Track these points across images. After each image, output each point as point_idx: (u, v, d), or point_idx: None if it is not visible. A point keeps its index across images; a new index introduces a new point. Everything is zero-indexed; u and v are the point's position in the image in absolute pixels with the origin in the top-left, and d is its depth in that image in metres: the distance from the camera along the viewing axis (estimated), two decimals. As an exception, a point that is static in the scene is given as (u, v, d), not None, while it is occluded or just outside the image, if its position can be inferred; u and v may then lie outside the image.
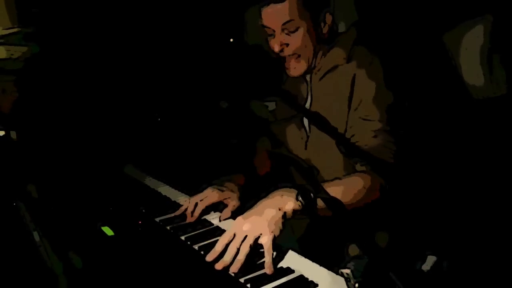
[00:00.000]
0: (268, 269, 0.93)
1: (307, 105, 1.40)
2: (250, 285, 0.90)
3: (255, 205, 1.04)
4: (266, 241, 0.95)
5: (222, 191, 1.30)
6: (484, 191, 1.46)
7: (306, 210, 1.04)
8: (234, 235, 0.97)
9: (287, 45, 1.28)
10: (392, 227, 1.32)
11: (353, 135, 1.26)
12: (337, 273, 0.91)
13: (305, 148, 1.39)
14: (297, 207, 1.02)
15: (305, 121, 1.41)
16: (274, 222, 0.98)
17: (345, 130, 1.28)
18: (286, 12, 1.23)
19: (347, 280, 0.86)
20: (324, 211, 1.08)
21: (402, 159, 1.23)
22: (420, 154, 1.33)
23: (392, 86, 1.25)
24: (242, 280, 0.92)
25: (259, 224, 0.98)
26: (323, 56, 1.35)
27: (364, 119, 1.24)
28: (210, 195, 1.28)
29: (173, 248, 1.11)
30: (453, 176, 1.51)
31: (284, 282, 0.91)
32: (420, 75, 1.54)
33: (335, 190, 1.09)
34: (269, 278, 0.92)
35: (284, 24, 1.25)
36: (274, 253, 0.97)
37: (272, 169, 1.56)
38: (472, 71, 1.50)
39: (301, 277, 0.92)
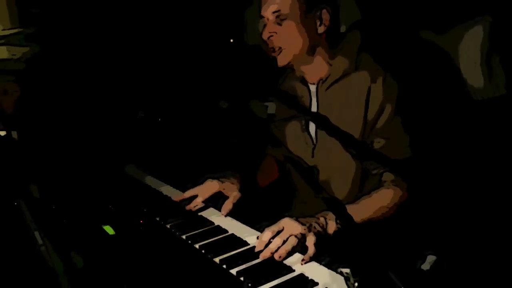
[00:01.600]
0: (307, 256, 0.99)
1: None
2: (251, 284, 0.90)
3: (304, 218, 1.09)
4: (311, 242, 1.02)
5: (222, 182, 1.32)
6: (484, 191, 1.47)
7: (343, 230, 1.12)
8: (283, 228, 1.03)
9: (276, 33, 1.28)
10: (392, 227, 1.33)
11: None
12: (336, 272, 0.91)
13: (312, 156, 1.38)
14: (335, 229, 1.11)
15: (311, 128, 1.39)
16: (318, 232, 1.05)
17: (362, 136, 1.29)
18: (277, 0, 1.25)
19: (346, 279, 0.86)
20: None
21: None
22: (420, 154, 1.33)
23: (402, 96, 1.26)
24: (242, 278, 0.93)
25: (307, 227, 1.04)
26: (328, 64, 1.32)
27: (384, 138, 1.25)
28: (209, 186, 1.30)
29: (174, 247, 1.11)
30: (453, 176, 1.51)
31: (284, 281, 0.92)
32: (420, 76, 1.54)
33: (365, 210, 1.18)
34: (269, 277, 0.92)
35: (274, 12, 1.26)
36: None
37: (280, 176, 1.56)
38: (471, 72, 1.50)
39: (301, 275, 0.93)
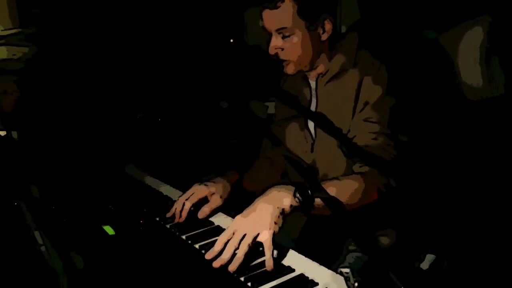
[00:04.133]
0: (268, 266, 0.94)
1: (312, 108, 1.40)
2: (251, 284, 0.90)
3: (253, 203, 1.05)
4: (265, 238, 0.97)
5: (208, 185, 1.29)
6: (483, 190, 1.47)
7: (303, 206, 1.05)
8: (233, 234, 0.98)
9: (282, 49, 1.29)
10: (392, 227, 1.33)
11: (354, 136, 1.28)
12: (337, 272, 0.91)
13: (312, 151, 1.39)
14: (294, 203, 1.04)
15: (310, 124, 1.40)
16: (272, 219, 0.99)
17: (348, 131, 1.30)
18: (279, 18, 1.24)
19: (346, 279, 0.86)
20: (321, 209, 1.09)
21: (402, 159, 1.24)
22: (420, 154, 1.34)
23: (395, 89, 1.26)
24: (242, 278, 0.93)
25: (257, 222, 0.99)
26: (327, 61, 1.34)
27: (366, 121, 1.25)
28: (196, 191, 1.27)
29: (174, 247, 1.11)
30: (452, 176, 1.51)
31: (284, 281, 0.92)
32: (419, 76, 1.54)
33: (330, 189, 1.11)
34: (269, 277, 0.92)
35: (278, 30, 1.26)
36: (275, 251, 0.97)
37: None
38: (470, 72, 1.50)
39: (301, 276, 0.93)
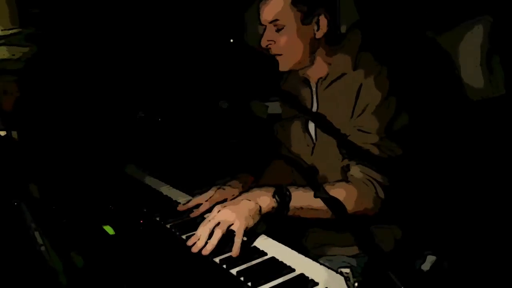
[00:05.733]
0: (234, 253, 1.01)
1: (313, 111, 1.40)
2: (251, 284, 0.90)
3: (236, 198, 1.12)
4: (238, 227, 1.04)
5: (226, 189, 1.34)
6: (484, 191, 1.47)
7: (281, 208, 1.13)
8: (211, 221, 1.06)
9: (274, 42, 1.28)
10: (391, 225, 1.33)
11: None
12: (336, 272, 0.91)
13: (311, 154, 1.39)
14: (273, 204, 1.12)
15: (311, 127, 1.40)
16: (249, 213, 1.07)
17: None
18: (273, 9, 1.25)
19: (346, 279, 0.86)
20: (296, 211, 1.15)
21: (403, 160, 1.24)
22: (420, 154, 1.33)
23: (395, 94, 1.24)
24: (242, 278, 0.93)
25: (235, 212, 1.06)
26: (327, 63, 1.33)
27: (361, 131, 1.24)
28: (213, 196, 1.32)
29: (174, 247, 1.11)
30: (453, 177, 1.51)
31: (284, 281, 0.92)
32: (420, 76, 1.54)
33: (310, 199, 1.14)
34: (269, 277, 0.92)
35: (271, 22, 1.26)
36: (245, 238, 1.05)
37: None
38: (471, 72, 1.50)
39: (301, 275, 0.93)
